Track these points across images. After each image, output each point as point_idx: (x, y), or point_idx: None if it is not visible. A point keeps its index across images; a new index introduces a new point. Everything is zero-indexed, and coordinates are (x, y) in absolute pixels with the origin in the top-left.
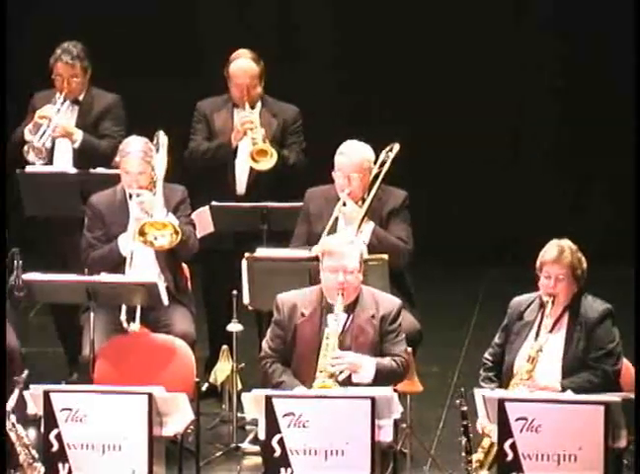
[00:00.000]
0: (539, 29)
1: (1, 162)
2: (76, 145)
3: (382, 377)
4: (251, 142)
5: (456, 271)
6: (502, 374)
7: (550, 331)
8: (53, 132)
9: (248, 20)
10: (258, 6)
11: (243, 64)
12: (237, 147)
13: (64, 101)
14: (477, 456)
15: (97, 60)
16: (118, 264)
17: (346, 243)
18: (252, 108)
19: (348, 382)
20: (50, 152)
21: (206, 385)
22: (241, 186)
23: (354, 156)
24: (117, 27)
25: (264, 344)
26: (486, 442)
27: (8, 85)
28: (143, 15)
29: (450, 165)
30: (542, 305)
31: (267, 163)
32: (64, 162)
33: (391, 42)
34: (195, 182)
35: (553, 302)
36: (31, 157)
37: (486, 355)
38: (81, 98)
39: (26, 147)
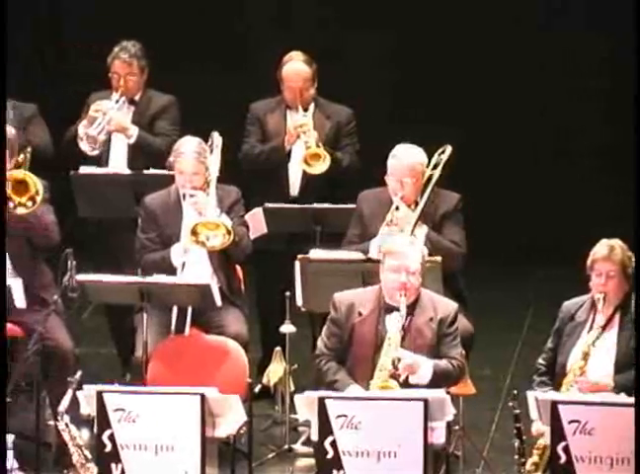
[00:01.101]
0: (585, 28)
1: (1, 161)
2: (131, 141)
3: (439, 379)
4: (304, 146)
5: (508, 272)
6: (555, 378)
7: (603, 329)
8: (108, 125)
9: (296, 20)
10: (303, 6)
11: (296, 67)
12: (290, 150)
13: (120, 98)
14: (532, 459)
15: (152, 61)
16: (170, 271)
17: (408, 244)
18: (305, 110)
19: (405, 383)
20: (106, 149)
21: (259, 387)
22: (294, 188)
23: (407, 160)
24: (173, 28)
25: (319, 342)
26: (541, 445)
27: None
28: (196, 17)
29: (499, 166)
30: (594, 305)
31: (320, 167)
32: (119, 162)
33: (444, 44)
34: (248, 184)
35: (604, 299)
36: (84, 145)
37: (539, 360)
38: (137, 98)
39: (80, 134)
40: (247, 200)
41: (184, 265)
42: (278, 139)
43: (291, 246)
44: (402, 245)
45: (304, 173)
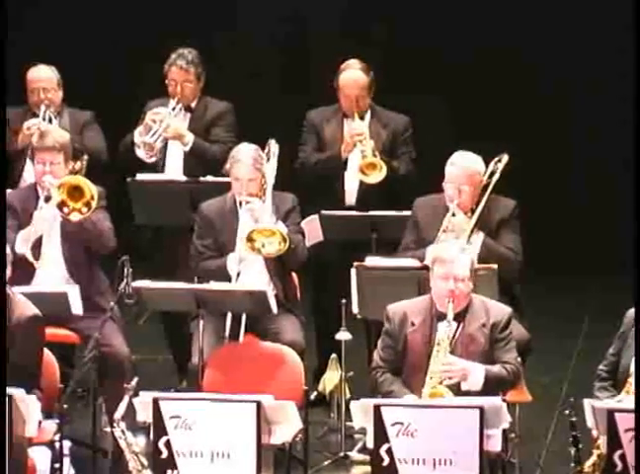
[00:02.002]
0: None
1: (1, 161)
2: (187, 148)
3: (492, 385)
4: (360, 155)
5: (565, 279)
6: (617, 382)
7: None
8: (164, 132)
9: (354, 31)
10: (362, 19)
11: (352, 75)
12: (347, 159)
13: (176, 106)
14: (590, 461)
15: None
16: (226, 279)
17: (457, 251)
18: (361, 118)
19: (457, 389)
20: (162, 156)
21: (315, 394)
22: (351, 196)
23: (465, 168)
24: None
25: (375, 354)
26: (598, 452)
27: None
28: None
29: (555, 173)
30: None
31: (376, 176)
32: (176, 168)
33: (498, 52)
34: (305, 191)
35: None
36: (140, 153)
37: (600, 366)
38: (193, 105)
39: (137, 142)
40: (303, 209)
41: (239, 274)
42: (334, 148)
43: (348, 253)
44: (450, 252)
45: (361, 181)
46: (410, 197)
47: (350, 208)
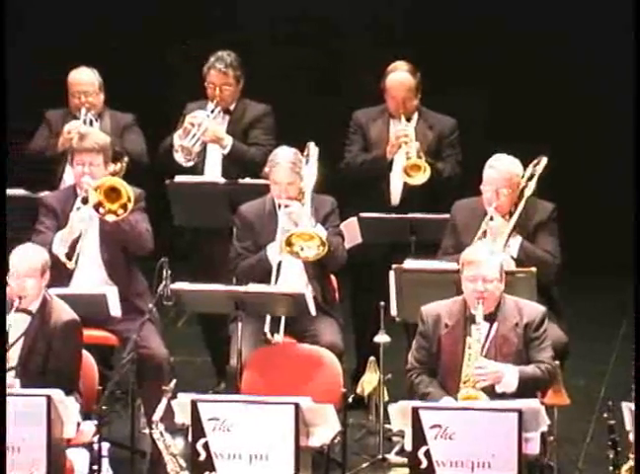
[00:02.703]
0: None
1: (1, 161)
2: (225, 151)
3: (526, 385)
4: (405, 156)
5: (603, 282)
6: None
7: None
8: (203, 136)
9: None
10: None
11: (399, 77)
12: (392, 160)
13: (215, 108)
14: (627, 465)
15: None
16: (266, 273)
17: (485, 252)
18: (408, 120)
19: (491, 392)
20: (201, 159)
21: (353, 396)
22: (396, 197)
23: (503, 171)
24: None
25: (410, 356)
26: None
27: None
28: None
29: (592, 174)
30: None
31: (420, 177)
32: (215, 171)
33: (533, 54)
34: (346, 193)
35: None
36: (179, 157)
37: None
38: (232, 107)
39: (175, 147)
40: (348, 209)
41: (280, 266)
42: (380, 149)
43: (387, 256)
44: (478, 254)
45: (405, 183)
46: (454, 199)
47: (394, 210)
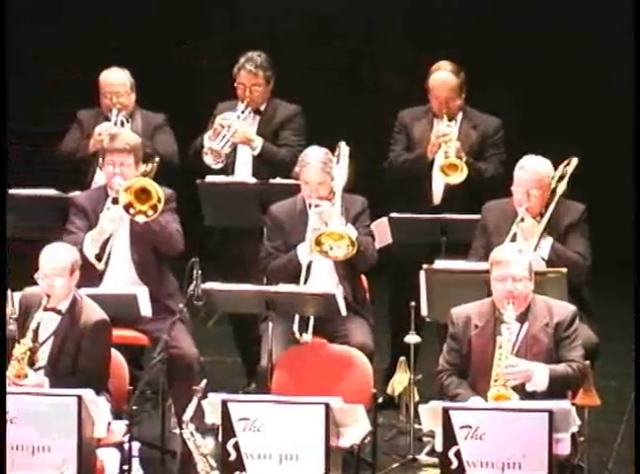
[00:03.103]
0: None
1: (1, 161)
2: (255, 152)
3: (557, 384)
4: (443, 155)
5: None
6: None
7: None
8: (233, 138)
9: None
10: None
11: (442, 76)
12: (434, 159)
13: (245, 109)
14: None
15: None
16: (296, 273)
17: (513, 252)
18: (451, 120)
19: (522, 391)
20: (232, 160)
21: (384, 397)
22: (437, 197)
23: (534, 172)
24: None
25: (440, 358)
26: None
27: None
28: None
29: (622, 174)
30: None
31: (457, 177)
32: (245, 171)
33: (564, 53)
34: (393, 191)
35: None
36: (208, 159)
37: None
38: (262, 108)
39: (205, 149)
40: (390, 209)
41: (310, 266)
42: (423, 147)
43: (418, 256)
44: (507, 253)
45: (447, 182)
46: (495, 198)
47: (435, 209)
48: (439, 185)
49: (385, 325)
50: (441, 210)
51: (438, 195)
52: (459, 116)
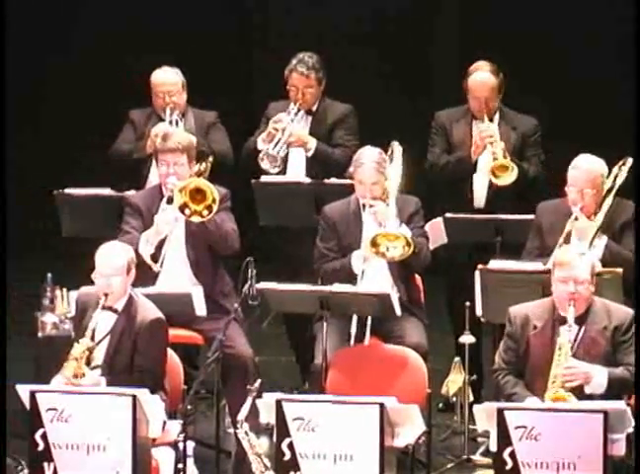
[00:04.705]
0: None
1: (1, 161)
2: (310, 153)
3: (615, 388)
4: (491, 157)
5: None
6: None
7: None
8: (288, 140)
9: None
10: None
11: (482, 77)
12: (477, 161)
13: (298, 111)
14: None
15: (330, 73)
16: (349, 279)
17: (577, 254)
18: (490, 120)
19: (580, 393)
20: (284, 161)
21: (443, 401)
22: (480, 199)
23: (587, 171)
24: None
25: (496, 356)
26: None
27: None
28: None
29: None
30: None
31: (507, 178)
32: (298, 172)
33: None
34: (433, 193)
35: None
36: (265, 164)
37: None
38: (314, 108)
39: (261, 155)
40: (431, 210)
41: (363, 272)
42: (464, 150)
43: (473, 256)
44: (570, 255)
45: (490, 184)
46: (539, 199)
47: (479, 211)
48: (481, 187)
49: (440, 325)
50: (484, 214)
51: (480, 197)
52: (497, 116)
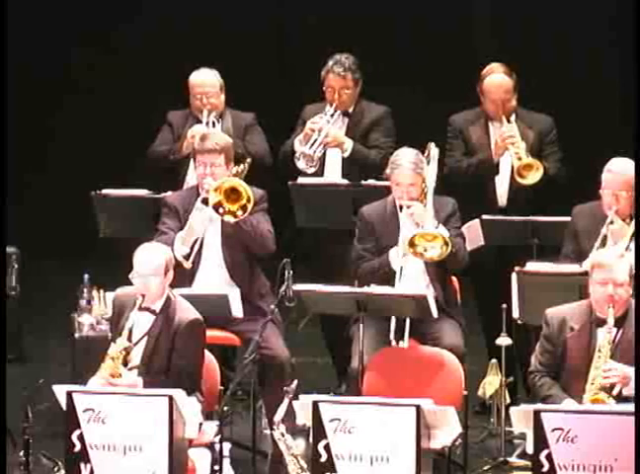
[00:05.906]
0: None
1: (1, 162)
2: (346, 154)
3: None
4: (515, 157)
5: None
6: None
7: None
8: (324, 141)
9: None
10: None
11: (497, 79)
12: (498, 162)
13: (334, 112)
14: None
15: (368, 74)
16: (388, 277)
17: (616, 256)
18: (507, 121)
19: (619, 395)
20: (321, 162)
21: (478, 406)
22: (502, 199)
23: (622, 174)
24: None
25: (533, 358)
26: None
27: None
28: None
29: None
30: None
31: (533, 177)
32: (334, 173)
33: None
34: (454, 196)
35: None
36: (301, 164)
37: None
38: (351, 110)
39: (297, 154)
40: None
41: (402, 270)
42: (485, 152)
43: (509, 258)
44: (609, 257)
45: (511, 184)
46: (558, 198)
47: (501, 211)
48: (503, 187)
49: (477, 326)
50: (508, 212)
51: (503, 197)
52: (513, 117)
